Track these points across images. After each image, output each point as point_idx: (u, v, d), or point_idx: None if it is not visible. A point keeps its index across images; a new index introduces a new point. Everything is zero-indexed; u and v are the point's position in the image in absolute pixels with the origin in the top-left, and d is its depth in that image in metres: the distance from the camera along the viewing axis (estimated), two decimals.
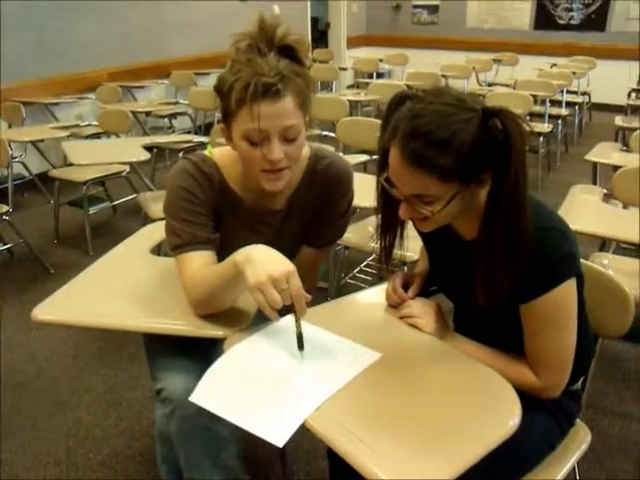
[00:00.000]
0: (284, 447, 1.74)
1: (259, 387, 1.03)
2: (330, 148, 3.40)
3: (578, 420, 1.29)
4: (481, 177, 1.02)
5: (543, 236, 1.03)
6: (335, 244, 2.49)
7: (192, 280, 1.24)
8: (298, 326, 1.10)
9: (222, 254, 1.32)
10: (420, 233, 1.29)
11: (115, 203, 4.04)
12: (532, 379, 1.11)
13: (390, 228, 1.22)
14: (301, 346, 1.10)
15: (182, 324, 1.23)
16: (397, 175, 1.05)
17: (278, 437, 0.92)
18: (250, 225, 1.40)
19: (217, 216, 1.36)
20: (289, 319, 1.12)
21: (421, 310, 1.22)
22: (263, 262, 1.09)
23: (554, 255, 1.03)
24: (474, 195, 1.05)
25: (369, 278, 2.83)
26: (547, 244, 1.03)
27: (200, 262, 1.26)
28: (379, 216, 1.22)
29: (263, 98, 1.14)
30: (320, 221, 1.44)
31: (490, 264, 1.04)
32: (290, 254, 1.46)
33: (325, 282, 2.73)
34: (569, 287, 1.05)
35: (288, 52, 1.19)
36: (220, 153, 1.37)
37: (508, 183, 0.98)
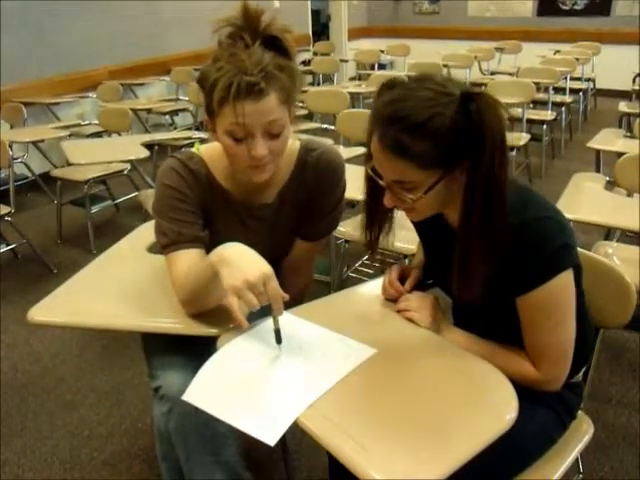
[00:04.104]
0: (286, 443, 1.75)
1: (252, 385, 1.03)
2: (329, 141, 3.38)
3: (580, 412, 1.27)
4: (463, 164, 1.00)
5: (538, 226, 1.01)
6: (333, 237, 2.48)
7: (179, 279, 1.24)
8: (276, 322, 1.10)
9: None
10: (414, 224, 1.28)
11: (117, 201, 4.04)
12: (532, 372, 1.09)
13: (376, 218, 1.20)
14: (279, 340, 1.10)
15: (175, 322, 1.23)
16: (377, 161, 1.04)
17: (270, 436, 0.91)
18: (241, 220, 1.39)
19: (207, 213, 1.35)
20: (283, 318, 1.11)
21: (418, 304, 1.20)
22: (238, 264, 1.08)
23: (550, 246, 1.01)
24: (461, 183, 1.02)
25: (371, 271, 2.81)
26: (542, 235, 1.01)
27: (187, 261, 1.25)
28: (365, 206, 1.20)
29: (246, 97, 1.12)
30: (313, 213, 1.42)
31: (465, 252, 1.02)
32: (284, 248, 1.45)
33: (327, 276, 2.72)
34: (566, 278, 1.03)
35: (273, 42, 1.17)
36: (207, 149, 1.35)
37: (483, 169, 0.96)
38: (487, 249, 1.00)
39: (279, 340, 1.10)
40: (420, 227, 1.29)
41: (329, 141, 3.35)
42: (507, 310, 1.09)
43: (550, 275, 1.01)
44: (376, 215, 1.20)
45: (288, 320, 1.16)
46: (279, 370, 1.06)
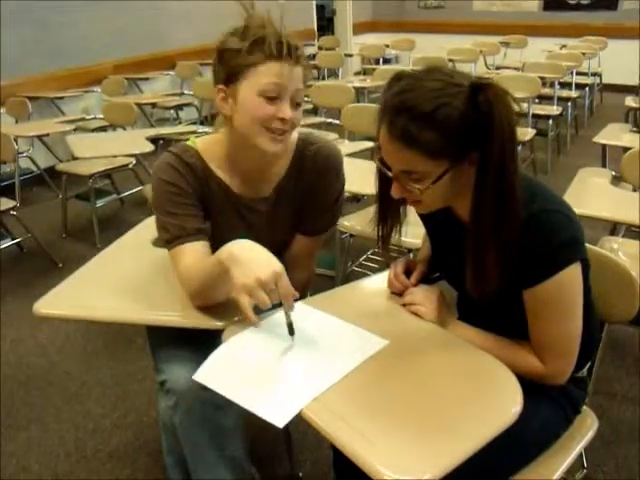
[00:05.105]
0: (290, 436, 1.75)
1: (263, 370, 1.04)
2: (334, 135, 3.38)
3: (585, 407, 1.27)
4: (472, 155, 0.99)
5: (546, 219, 1.01)
6: (337, 231, 2.48)
7: (186, 273, 1.24)
8: (288, 317, 1.11)
9: (214, 243, 1.31)
10: (422, 218, 1.28)
11: (122, 195, 4.04)
12: (538, 366, 1.09)
13: (388, 211, 1.20)
14: (292, 332, 1.11)
15: (181, 316, 1.23)
16: (385, 152, 1.04)
17: (278, 418, 0.92)
18: (240, 213, 1.39)
19: (206, 205, 1.34)
20: (297, 308, 1.13)
21: (423, 297, 1.20)
22: (249, 263, 1.08)
23: (558, 238, 1.00)
24: (470, 175, 1.02)
25: (376, 266, 2.81)
26: (550, 227, 1.01)
27: (193, 254, 1.25)
28: (377, 199, 1.20)
29: (288, 58, 1.19)
30: (312, 208, 1.43)
31: (478, 247, 1.02)
32: (284, 243, 1.46)
33: (332, 270, 2.72)
34: (573, 271, 1.03)
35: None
36: (203, 141, 1.36)
37: (493, 160, 0.96)
38: (500, 242, 1.00)
39: (292, 332, 1.11)
40: (428, 220, 1.29)
41: (334, 135, 3.34)
42: (512, 304, 1.09)
43: (558, 268, 1.01)
44: (388, 209, 1.19)
45: (302, 310, 1.17)
46: (291, 358, 1.07)
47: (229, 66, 1.21)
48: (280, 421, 0.91)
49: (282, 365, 1.05)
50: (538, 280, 1.03)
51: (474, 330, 1.16)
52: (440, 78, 0.98)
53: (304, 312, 1.19)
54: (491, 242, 1.01)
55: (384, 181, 1.13)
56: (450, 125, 0.96)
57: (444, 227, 1.21)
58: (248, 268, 1.07)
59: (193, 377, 1.04)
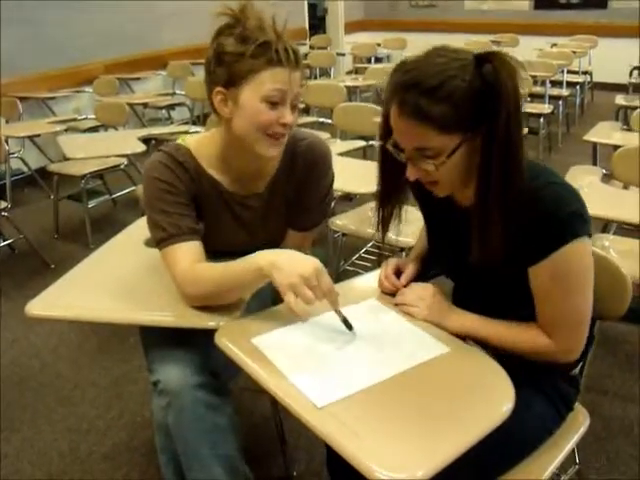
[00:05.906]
0: (284, 436, 1.75)
1: (318, 355, 1.07)
2: (326, 135, 3.38)
3: (577, 404, 1.27)
4: (482, 129, 1.00)
5: (553, 190, 1.02)
6: (330, 230, 2.49)
7: (189, 274, 1.23)
8: (339, 313, 1.13)
9: (207, 242, 1.31)
10: (420, 206, 1.29)
11: (114, 196, 4.03)
12: (547, 343, 1.08)
13: (390, 198, 1.21)
14: (349, 327, 1.13)
15: (174, 316, 1.23)
16: (397, 131, 1.04)
17: (320, 398, 0.94)
18: (233, 211, 1.39)
19: (198, 204, 1.34)
20: (368, 303, 1.21)
21: (414, 297, 1.20)
22: (290, 263, 1.11)
23: (565, 210, 1.00)
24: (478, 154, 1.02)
25: (368, 264, 2.82)
26: (557, 199, 1.01)
27: (191, 254, 1.25)
28: (379, 186, 1.21)
29: (290, 63, 1.19)
30: (303, 203, 1.43)
31: (484, 217, 1.02)
32: (276, 239, 1.46)
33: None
34: (582, 246, 1.02)
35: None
36: (194, 139, 1.36)
37: (500, 129, 0.97)
38: (505, 215, 1.00)
39: (349, 327, 1.13)
40: (425, 208, 1.30)
41: (325, 135, 3.35)
42: (513, 290, 1.09)
43: (564, 241, 1.00)
44: (390, 191, 1.20)
45: (375, 307, 1.22)
46: (347, 349, 1.09)
47: (231, 70, 1.20)
48: (320, 401, 0.93)
49: (336, 354, 1.08)
50: (545, 253, 1.01)
51: (478, 317, 1.15)
52: (444, 54, 1.01)
53: (377, 309, 1.23)
54: (496, 215, 1.01)
55: (386, 162, 1.14)
56: (459, 97, 0.97)
57: (443, 215, 1.22)
58: (290, 268, 1.09)
59: (252, 340, 1.09)
